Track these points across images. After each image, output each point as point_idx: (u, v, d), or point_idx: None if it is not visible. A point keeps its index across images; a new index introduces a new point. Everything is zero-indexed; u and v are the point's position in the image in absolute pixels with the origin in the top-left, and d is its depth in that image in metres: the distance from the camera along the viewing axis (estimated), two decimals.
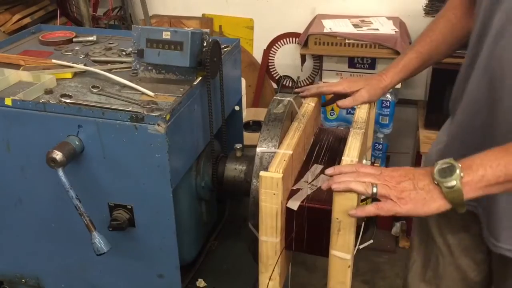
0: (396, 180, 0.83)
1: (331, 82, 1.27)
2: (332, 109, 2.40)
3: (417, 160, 2.54)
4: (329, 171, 0.89)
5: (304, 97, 1.23)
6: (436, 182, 0.81)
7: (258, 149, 1.03)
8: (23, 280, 1.27)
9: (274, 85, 2.84)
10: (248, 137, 1.76)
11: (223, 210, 1.49)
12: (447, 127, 1.21)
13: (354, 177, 0.84)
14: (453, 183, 0.79)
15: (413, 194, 0.81)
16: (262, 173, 0.91)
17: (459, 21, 1.17)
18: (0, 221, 1.21)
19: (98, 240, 1.02)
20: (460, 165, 0.80)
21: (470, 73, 1.03)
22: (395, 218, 2.75)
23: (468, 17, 1.14)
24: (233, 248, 1.36)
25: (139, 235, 1.12)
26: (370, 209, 0.83)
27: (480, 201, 1.06)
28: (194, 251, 1.29)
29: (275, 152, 1.00)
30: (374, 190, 0.83)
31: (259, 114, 2.32)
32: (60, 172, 1.01)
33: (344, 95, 1.20)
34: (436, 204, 0.81)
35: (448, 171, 0.80)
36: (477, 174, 0.80)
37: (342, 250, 0.91)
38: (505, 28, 0.93)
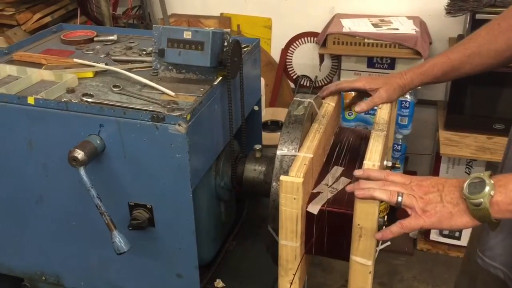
0: (424, 190, 0.80)
1: (350, 79, 1.25)
2: (350, 109, 2.38)
3: (436, 162, 2.51)
4: (357, 172, 0.87)
5: (324, 97, 1.22)
6: (464, 197, 0.77)
7: (278, 152, 1.02)
8: (43, 278, 1.28)
9: (292, 85, 2.83)
10: (266, 137, 1.75)
11: (242, 211, 1.49)
12: None
13: (380, 186, 0.82)
14: (480, 200, 0.74)
15: (439, 207, 0.78)
16: (282, 177, 0.90)
17: (502, 34, 1.07)
18: (21, 218, 1.23)
19: (118, 240, 1.02)
20: (492, 182, 0.75)
21: None
22: None
23: None
24: (252, 249, 1.36)
25: (158, 234, 1.12)
26: (395, 230, 0.81)
27: (510, 267, 1.00)
28: (212, 251, 1.29)
29: (295, 155, 0.99)
30: (399, 199, 0.80)
31: (277, 113, 2.32)
32: (82, 171, 1.01)
33: (364, 93, 1.18)
34: (462, 220, 0.78)
35: (478, 187, 0.75)
36: (510, 195, 0.74)
37: (363, 256, 0.90)
38: None
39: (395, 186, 0.82)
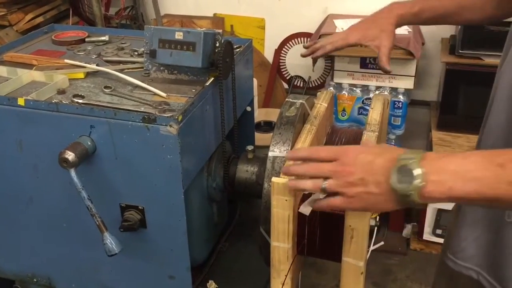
0: (350, 172, 0.74)
1: (341, 35, 1.21)
2: (344, 110, 2.39)
3: None
4: (287, 155, 0.83)
5: (319, 56, 1.19)
6: (390, 186, 0.70)
7: (270, 153, 1.02)
8: (35, 280, 1.27)
9: (285, 85, 2.83)
10: (259, 137, 1.75)
11: (234, 212, 1.49)
12: None
13: (305, 170, 0.78)
14: (410, 192, 0.68)
15: (365, 195, 0.73)
16: (274, 179, 0.90)
17: None
18: (12, 220, 1.22)
19: (110, 241, 1.01)
20: (423, 171, 0.68)
21: (494, 93, 0.97)
22: (406, 220, 2.73)
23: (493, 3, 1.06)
24: (244, 250, 1.36)
25: (150, 236, 1.12)
26: (321, 205, 0.78)
27: (484, 266, 0.98)
28: (205, 252, 1.29)
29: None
30: (324, 186, 0.75)
31: (270, 114, 2.32)
32: (72, 173, 1.01)
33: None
34: (388, 206, 0.73)
35: (407, 175, 0.69)
36: (443, 186, 0.67)
37: (355, 257, 0.90)
38: None
39: (320, 170, 0.77)
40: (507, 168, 0.65)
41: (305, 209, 0.85)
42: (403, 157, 0.71)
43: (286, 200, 0.89)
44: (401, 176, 0.69)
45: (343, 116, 2.41)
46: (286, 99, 1.13)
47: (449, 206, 2.48)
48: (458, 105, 2.28)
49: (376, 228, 0.95)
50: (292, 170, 0.82)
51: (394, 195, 0.71)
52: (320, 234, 0.95)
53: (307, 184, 0.78)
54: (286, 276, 0.94)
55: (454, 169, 0.68)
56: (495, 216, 0.92)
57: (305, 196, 0.97)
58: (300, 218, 0.95)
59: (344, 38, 1.17)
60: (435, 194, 0.68)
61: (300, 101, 1.11)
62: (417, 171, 0.68)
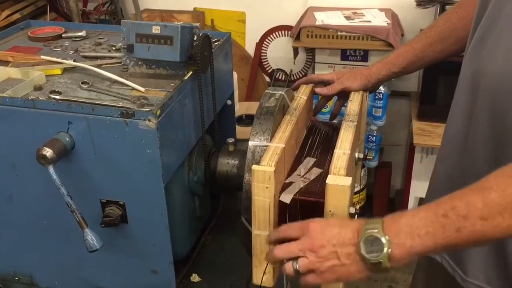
0: (318, 245, 0.79)
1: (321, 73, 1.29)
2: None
3: (410, 152, 2.55)
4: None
5: (296, 87, 1.24)
6: (361, 257, 0.76)
7: (250, 143, 1.03)
8: (16, 278, 1.26)
9: (267, 79, 2.84)
10: (241, 131, 1.75)
11: (217, 205, 1.49)
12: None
13: (280, 254, 0.84)
14: (380, 261, 0.74)
15: (337, 268, 0.78)
16: (254, 166, 0.91)
17: (460, 21, 1.11)
18: None
19: (91, 237, 1.01)
20: (387, 239, 0.74)
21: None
22: (389, 209, 2.76)
23: (471, 19, 1.07)
24: (227, 242, 1.36)
25: (132, 231, 1.11)
26: (303, 278, 0.82)
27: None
28: (188, 246, 1.29)
29: (267, 146, 1.00)
30: (296, 266, 0.80)
31: (252, 108, 2.32)
32: (51, 169, 1.00)
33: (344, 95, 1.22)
34: (361, 275, 0.78)
35: (375, 245, 0.75)
36: (405, 246, 0.74)
37: None
38: (491, 28, 0.89)
39: (290, 251, 0.82)
40: (449, 217, 0.72)
41: (286, 197, 0.86)
42: (368, 227, 0.77)
43: (266, 188, 0.90)
44: (370, 246, 0.75)
45: (325, 108, 2.42)
46: (266, 91, 1.13)
47: None
48: (438, 95, 2.31)
49: (356, 216, 0.96)
50: (270, 259, 0.89)
51: (366, 264, 0.76)
52: None
53: (286, 270, 0.83)
54: (267, 264, 0.95)
55: (407, 230, 0.74)
56: None
57: (286, 185, 0.98)
58: (281, 207, 0.96)
59: (321, 74, 1.26)
60: (402, 256, 0.74)
61: (280, 92, 1.12)
62: (384, 239, 0.74)
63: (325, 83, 1.25)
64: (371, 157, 2.29)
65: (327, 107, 2.42)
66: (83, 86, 1.13)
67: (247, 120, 2.24)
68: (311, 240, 0.80)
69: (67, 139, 1.03)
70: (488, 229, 0.70)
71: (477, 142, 0.94)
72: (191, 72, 1.17)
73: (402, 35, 2.42)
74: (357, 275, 0.78)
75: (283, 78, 2.80)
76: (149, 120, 0.99)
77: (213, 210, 1.46)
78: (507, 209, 0.69)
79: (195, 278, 1.25)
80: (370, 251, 0.75)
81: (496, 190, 0.70)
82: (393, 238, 0.74)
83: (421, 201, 2.54)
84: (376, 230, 0.75)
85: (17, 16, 2.37)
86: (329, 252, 0.78)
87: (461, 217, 0.71)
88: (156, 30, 1.11)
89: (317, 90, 1.22)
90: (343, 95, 1.26)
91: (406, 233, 0.74)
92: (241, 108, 2.31)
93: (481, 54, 0.91)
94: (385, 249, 0.74)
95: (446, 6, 2.16)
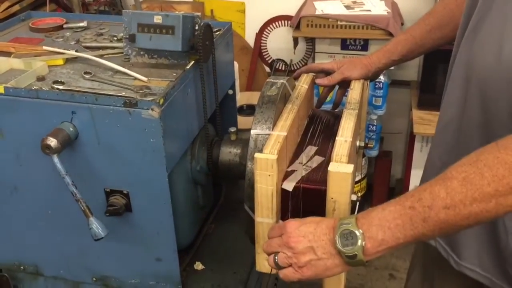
0: (296, 246, 0.81)
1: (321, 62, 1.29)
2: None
3: (410, 141, 2.56)
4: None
5: (296, 77, 1.24)
6: (337, 250, 0.78)
7: (252, 132, 1.04)
8: (22, 268, 1.28)
9: (267, 69, 2.84)
10: (242, 121, 1.76)
11: (219, 194, 1.50)
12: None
13: (265, 249, 0.88)
14: (355, 253, 0.77)
15: (313, 262, 0.80)
16: (256, 154, 0.91)
17: (458, 7, 1.10)
18: None
19: (96, 226, 1.02)
20: (361, 232, 0.77)
21: (450, 71, 1.02)
22: (390, 199, 2.77)
23: None
24: (230, 231, 1.37)
25: (136, 220, 1.13)
26: (280, 272, 0.86)
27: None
28: (191, 234, 1.30)
29: (269, 134, 1.00)
30: (276, 259, 0.84)
31: (253, 98, 2.32)
32: (55, 159, 1.01)
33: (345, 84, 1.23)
34: (338, 270, 0.81)
35: (349, 238, 0.77)
36: (377, 239, 0.77)
37: None
38: (482, 20, 0.90)
39: (271, 246, 0.86)
40: (416, 208, 0.75)
41: (288, 185, 0.87)
42: (342, 222, 0.79)
43: (269, 175, 0.91)
44: (345, 240, 0.78)
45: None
46: (267, 80, 1.14)
47: None
48: (437, 84, 2.32)
49: (358, 204, 0.97)
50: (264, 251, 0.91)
51: (342, 258, 0.79)
52: (304, 210, 0.97)
53: (269, 262, 0.87)
54: None
55: (378, 223, 0.77)
56: None
57: (288, 173, 1.00)
58: (283, 195, 0.97)
59: (320, 63, 1.26)
60: (375, 249, 0.77)
61: (281, 81, 1.12)
62: (358, 232, 0.77)
63: (325, 72, 1.25)
64: (372, 146, 2.31)
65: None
66: (85, 76, 1.14)
67: (248, 110, 2.25)
68: (287, 237, 0.83)
69: (71, 129, 1.04)
70: (451, 217, 0.72)
71: (470, 128, 0.96)
72: (192, 62, 1.17)
73: (402, 24, 2.42)
74: (334, 269, 0.80)
75: (283, 68, 2.80)
76: (152, 110, 1.00)
77: (216, 199, 1.47)
78: (467, 196, 0.71)
79: (198, 266, 1.26)
80: (345, 245, 0.77)
81: (457, 178, 0.72)
82: (366, 232, 0.77)
83: None
84: (350, 224, 0.78)
85: (16, 8, 2.37)
86: (304, 247, 0.81)
87: (426, 207, 0.73)
88: (157, 19, 1.11)
89: (318, 81, 1.23)
90: (344, 85, 1.26)
91: (377, 226, 0.77)
92: (242, 98, 2.32)
93: (473, 45, 0.93)
94: (359, 242, 0.77)
95: None
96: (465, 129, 0.97)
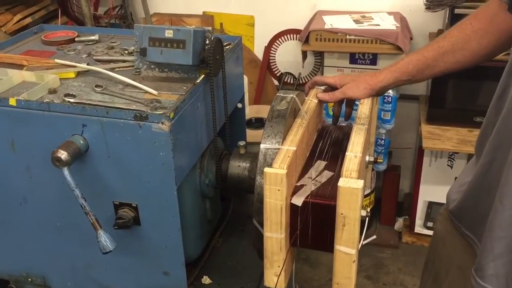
0: None
1: (327, 75, 1.29)
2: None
3: (419, 155, 2.55)
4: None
5: (306, 95, 1.24)
6: None
7: (262, 146, 1.04)
8: (29, 279, 1.28)
9: (276, 82, 2.85)
10: (251, 134, 1.76)
11: (227, 208, 1.50)
12: (471, 167, 1.15)
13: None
14: None
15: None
16: (266, 169, 0.91)
17: (475, 34, 1.08)
18: (6, 220, 1.22)
19: (104, 239, 1.02)
20: None
21: (501, 106, 0.97)
22: (398, 214, 2.75)
23: (486, 33, 1.07)
24: (238, 245, 1.37)
25: (144, 233, 1.13)
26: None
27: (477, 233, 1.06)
28: (199, 248, 1.30)
29: (278, 149, 1.00)
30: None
31: (261, 111, 2.33)
32: (65, 172, 1.01)
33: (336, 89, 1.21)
34: None
35: None
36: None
37: (347, 245, 0.92)
38: None
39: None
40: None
41: (298, 200, 0.87)
42: None
43: (278, 190, 0.90)
44: None
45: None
46: (277, 94, 1.14)
47: (440, 199, 2.51)
48: (447, 98, 2.31)
49: (367, 219, 0.97)
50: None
51: None
52: (313, 225, 0.96)
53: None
54: (279, 267, 0.95)
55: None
56: None
57: (297, 187, 0.99)
58: (292, 210, 0.96)
59: (325, 77, 1.25)
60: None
61: (291, 95, 1.13)
62: None
63: (329, 86, 1.24)
64: (381, 161, 2.30)
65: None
66: (96, 89, 1.15)
67: (257, 123, 2.25)
68: None
69: (82, 142, 1.05)
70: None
71: None
72: (203, 76, 1.18)
73: (411, 38, 2.42)
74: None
75: (291, 82, 2.81)
76: (162, 123, 1.00)
77: (224, 213, 1.47)
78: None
79: (206, 280, 1.26)
80: None
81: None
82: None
83: (430, 205, 2.53)
84: None
85: (28, 20, 2.40)
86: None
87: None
88: (169, 34, 1.12)
89: (319, 95, 1.20)
90: (349, 103, 1.24)
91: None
92: (250, 111, 2.32)
93: None
94: None
95: (455, 10, 2.15)
96: None
